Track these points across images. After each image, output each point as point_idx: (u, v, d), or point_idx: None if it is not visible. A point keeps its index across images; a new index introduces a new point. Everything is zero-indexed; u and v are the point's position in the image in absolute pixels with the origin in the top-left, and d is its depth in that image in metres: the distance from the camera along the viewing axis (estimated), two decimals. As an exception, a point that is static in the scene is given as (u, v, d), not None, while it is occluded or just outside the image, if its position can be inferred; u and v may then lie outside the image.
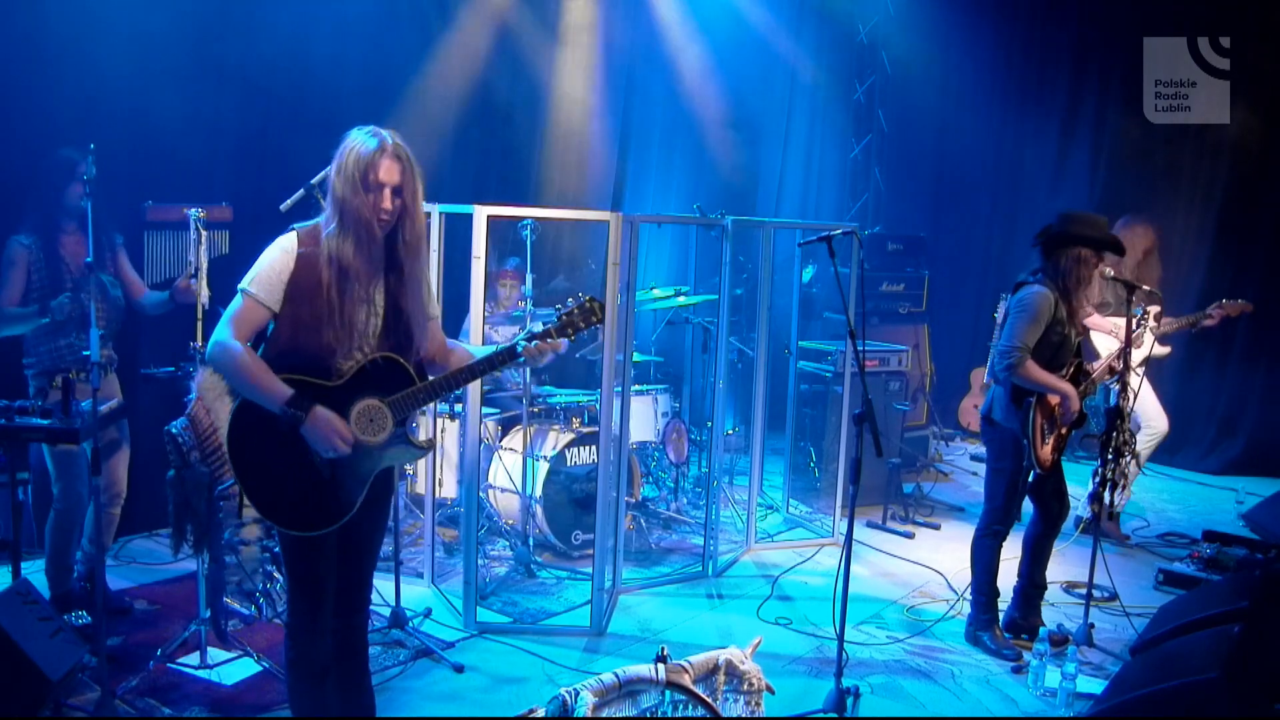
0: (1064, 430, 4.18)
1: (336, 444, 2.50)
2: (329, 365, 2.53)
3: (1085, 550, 4.63)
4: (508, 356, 2.70)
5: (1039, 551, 4.31)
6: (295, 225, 2.61)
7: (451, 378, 2.70)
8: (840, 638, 3.52)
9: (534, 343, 2.69)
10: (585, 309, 2.76)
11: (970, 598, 4.34)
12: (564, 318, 2.75)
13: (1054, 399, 4.06)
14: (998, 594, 4.27)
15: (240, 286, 2.55)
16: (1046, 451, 4.10)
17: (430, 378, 2.69)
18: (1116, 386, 4.26)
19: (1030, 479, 4.19)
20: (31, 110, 4.53)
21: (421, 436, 4.35)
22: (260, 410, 2.51)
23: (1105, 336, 5.48)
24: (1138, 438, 5.62)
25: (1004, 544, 4.24)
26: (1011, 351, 3.94)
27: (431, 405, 4.49)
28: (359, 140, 2.53)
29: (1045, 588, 4.37)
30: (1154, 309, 5.43)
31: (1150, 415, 5.68)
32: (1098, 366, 4.50)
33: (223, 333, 2.51)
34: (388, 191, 2.52)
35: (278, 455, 2.54)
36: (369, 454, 2.60)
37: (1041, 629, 4.13)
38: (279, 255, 2.54)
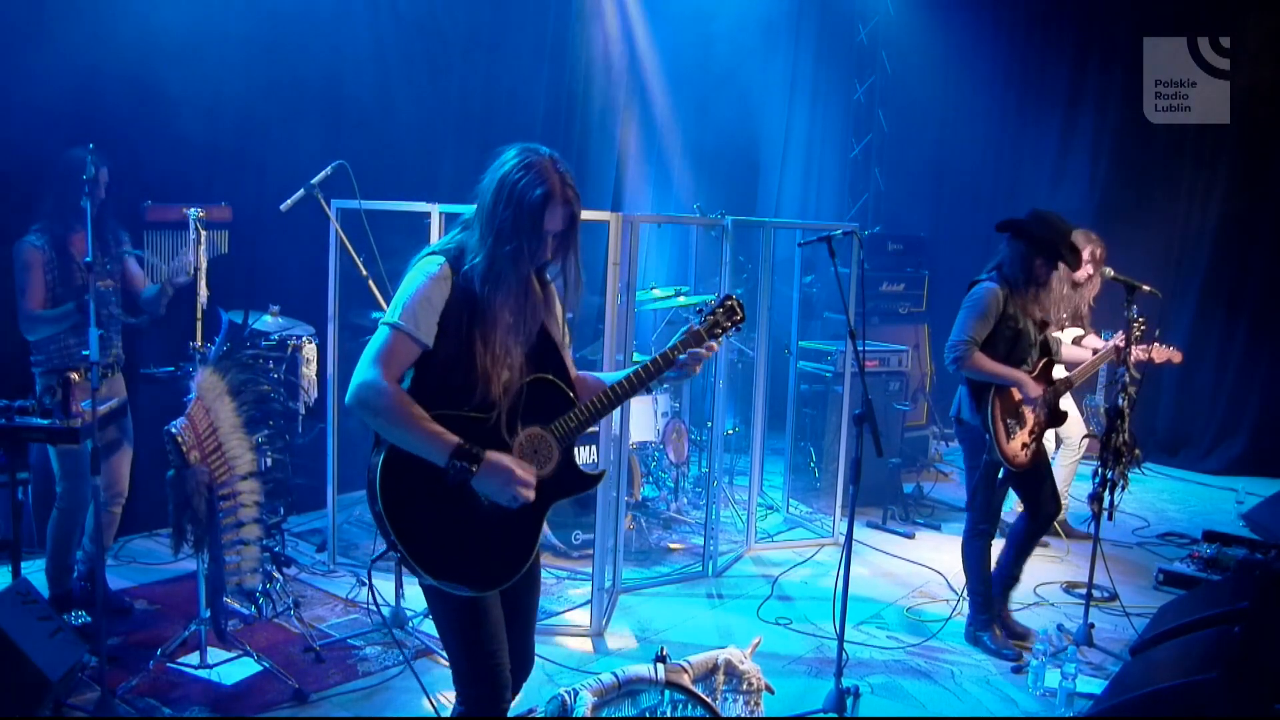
0: (1037, 425, 4.16)
1: (518, 490, 2.21)
2: (483, 399, 2.26)
3: (1085, 550, 4.63)
4: (665, 364, 2.46)
5: (1024, 547, 4.31)
6: (435, 247, 2.33)
7: (613, 393, 2.43)
8: (840, 638, 3.52)
9: (688, 350, 2.48)
10: (728, 308, 2.58)
11: (967, 599, 4.34)
12: (709, 318, 2.55)
13: (1015, 392, 4.07)
14: (994, 595, 4.27)
15: (386, 320, 2.23)
16: (1015, 446, 4.09)
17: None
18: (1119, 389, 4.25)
19: (1001, 475, 4.15)
20: (31, 110, 4.53)
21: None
22: (414, 457, 2.21)
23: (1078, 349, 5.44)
24: (1059, 454, 5.64)
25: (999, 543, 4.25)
26: (958, 345, 4.00)
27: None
28: (524, 177, 2.23)
29: (1019, 580, 4.37)
30: (1077, 333, 5.42)
31: (1070, 431, 5.66)
32: (1076, 373, 4.50)
33: (370, 372, 2.19)
34: (550, 238, 2.28)
35: (443, 504, 2.24)
36: (540, 489, 2.32)
37: (1041, 629, 4.14)
38: (431, 284, 2.23)
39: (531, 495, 2.25)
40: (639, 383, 2.46)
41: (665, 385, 5.95)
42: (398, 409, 2.18)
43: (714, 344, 2.52)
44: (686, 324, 2.57)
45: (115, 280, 4.01)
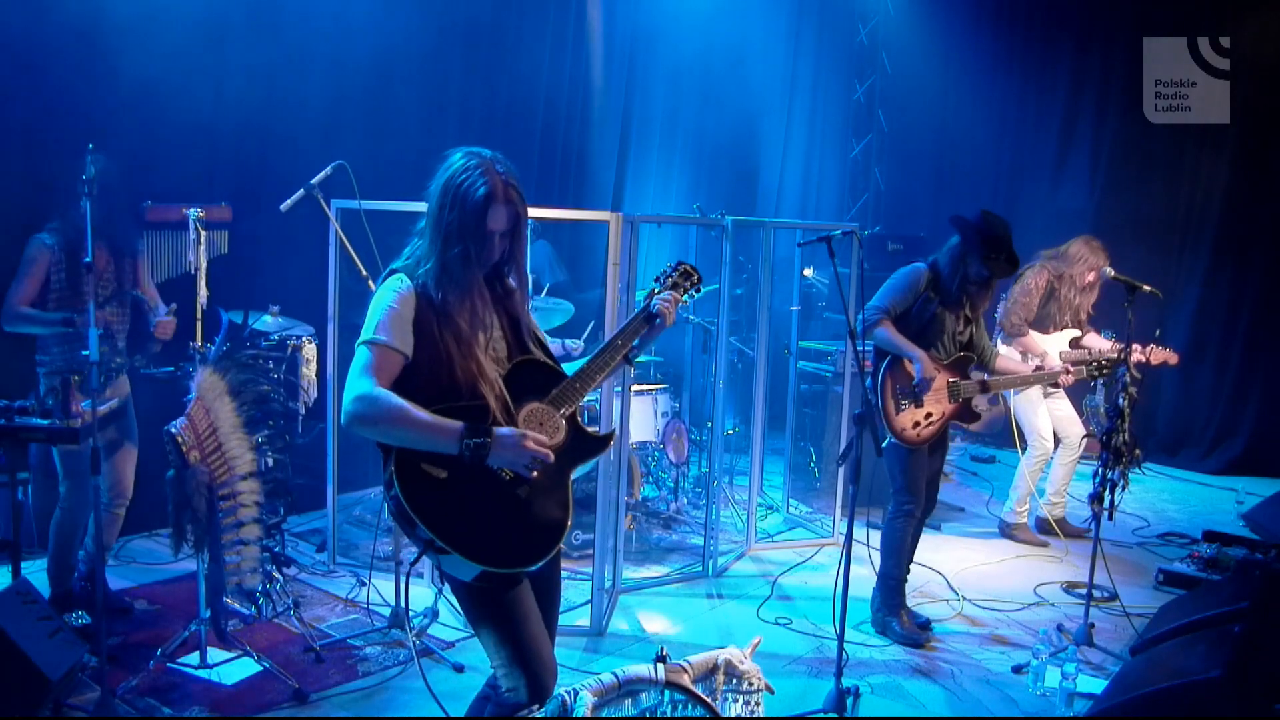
0: (941, 413, 4.17)
1: (535, 451, 2.24)
2: (473, 393, 2.31)
3: (1085, 550, 4.63)
4: (646, 319, 2.60)
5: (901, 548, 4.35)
6: (395, 265, 2.40)
7: (600, 358, 2.51)
8: (840, 638, 3.52)
9: (657, 299, 2.63)
10: (683, 272, 2.78)
11: (876, 581, 4.36)
12: (668, 280, 2.74)
13: (909, 365, 4.10)
14: (905, 580, 4.31)
15: (363, 340, 2.27)
16: (903, 420, 4.12)
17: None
18: (1119, 387, 4.24)
19: (885, 445, 4.08)
20: (31, 110, 4.52)
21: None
22: (425, 455, 2.24)
23: (1048, 343, 5.44)
24: (1058, 454, 5.64)
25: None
26: (871, 310, 4.12)
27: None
28: (466, 179, 2.29)
29: (905, 579, 4.37)
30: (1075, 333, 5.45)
31: (1069, 431, 5.66)
32: (1002, 379, 4.46)
33: (358, 387, 2.21)
34: (496, 238, 2.34)
35: (467, 489, 2.26)
36: (558, 458, 2.37)
37: (1041, 629, 4.13)
38: (397, 300, 2.29)
39: (549, 454, 2.27)
40: (623, 345, 2.56)
41: (647, 351, 5.92)
42: (395, 410, 2.20)
43: (678, 294, 2.70)
44: (680, 317, 2.63)
45: (129, 284, 4.00)
